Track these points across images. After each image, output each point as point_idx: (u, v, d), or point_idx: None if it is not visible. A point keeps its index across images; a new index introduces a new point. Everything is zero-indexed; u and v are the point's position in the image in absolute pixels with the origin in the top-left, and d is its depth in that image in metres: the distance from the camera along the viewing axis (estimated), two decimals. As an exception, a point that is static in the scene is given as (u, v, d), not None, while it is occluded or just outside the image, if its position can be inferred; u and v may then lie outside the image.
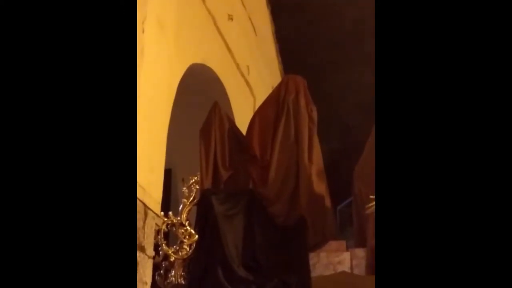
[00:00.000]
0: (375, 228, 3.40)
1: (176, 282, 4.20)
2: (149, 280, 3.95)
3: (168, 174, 6.24)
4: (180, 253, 4.23)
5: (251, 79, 8.18)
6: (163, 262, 4.25)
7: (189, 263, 4.18)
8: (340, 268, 4.20)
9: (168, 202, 5.73)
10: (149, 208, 4.03)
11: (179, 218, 4.34)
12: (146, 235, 3.94)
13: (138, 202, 3.80)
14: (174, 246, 4.30)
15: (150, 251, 4.04)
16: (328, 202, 4.41)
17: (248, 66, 8.06)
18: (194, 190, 4.43)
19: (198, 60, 6.32)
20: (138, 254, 3.77)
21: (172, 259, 4.22)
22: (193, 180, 4.45)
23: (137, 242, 3.74)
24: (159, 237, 4.19)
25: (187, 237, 4.26)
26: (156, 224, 4.19)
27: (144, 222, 3.94)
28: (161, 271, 4.22)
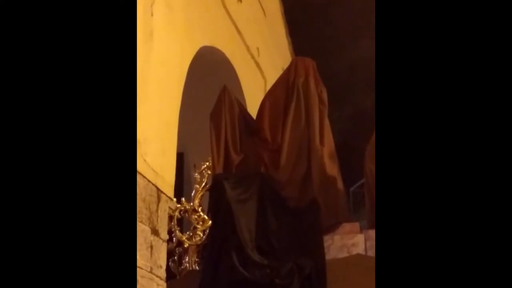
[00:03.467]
0: (375, 212, 3.39)
1: (191, 268, 4.21)
2: (163, 263, 3.94)
3: (180, 157, 6.23)
4: (193, 239, 4.24)
5: (261, 61, 8.13)
6: (176, 249, 4.26)
7: (203, 248, 4.19)
8: (354, 250, 4.18)
9: (181, 187, 5.73)
10: (162, 192, 4.01)
11: (192, 204, 4.34)
12: (160, 218, 3.92)
13: (150, 186, 3.78)
14: (188, 232, 4.31)
15: (164, 235, 4.03)
16: (340, 184, 4.39)
17: (258, 48, 8.00)
18: (206, 175, 4.42)
19: (207, 42, 6.28)
20: (153, 238, 3.77)
21: (186, 245, 4.23)
22: (205, 165, 4.45)
23: (151, 226, 3.74)
24: (172, 223, 4.19)
25: (201, 223, 4.27)
26: (170, 208, 4.18)
27: (158, 206, 3.92)
28: (175, 258, 4.23)
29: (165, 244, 4.03)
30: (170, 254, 4.15)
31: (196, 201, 4.32)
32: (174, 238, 4.22)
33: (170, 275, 4.05)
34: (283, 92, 4.48)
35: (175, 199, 4.25)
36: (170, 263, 4.16)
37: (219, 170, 4.30)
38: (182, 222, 4.46)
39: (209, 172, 4.41)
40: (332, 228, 4.26)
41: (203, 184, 4.40)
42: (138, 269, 3.40)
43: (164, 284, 3.83)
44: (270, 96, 4.60)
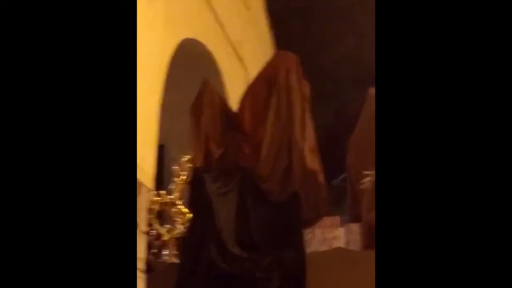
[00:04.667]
0: (375, 205, 3.39)
1: (170, 261, 4.20)
2: (143, 255, 3.93)
3: (161, 150, 6.21)
4: (173, 232, 4.23)
5: (243, 54, 8.12)
6: (155, 241, 4.24)
7: (183, 241, 4.18)
8: (335, 244, 4.19)
9: (161, 179, 5.72)
10: (142, 184, 3.99)
11: (171, 197, 4.33)
12: (140, 210, 3.90)
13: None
14: (167, 225, 4.29)
15: (144, 226, 4.01)
16: (321, 178, 4.39)
17: (240, 41, 7.99)
18: (186, 168, 4.41)
19: (189, 35, 6.26)
20: (132, 230, 3.75)
21: (165, 238, 4.22)
22: (185, 158, 4.43)
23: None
24: (151, 216, 4.17)
25: (180, 216, 4.26)
26: (150, 200, 4.16)
27: (138, 197, 3.90)
28: (155, 250, 4.21)
29: (145, 236, 4.02)
30: (149, 247, 4.13)
31: (176, 194, 4.31)
32: (153, 231, 4.21)
33: (149, 268, 4.03)
34: (264, 86, 4.46)
35: (154, 192, 4.24)
36: (149, 256, 4.14)
37: (200, 163, 4.28)
38: (162, 215, 4.44)
39: (190, 165, 4.39)
40: (313, 221, 4.26)
41: (184, 177, 4.38)
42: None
43: (144, 276, 3.82)
44: (252, 90, 4.58)
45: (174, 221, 4.26)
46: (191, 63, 6.69)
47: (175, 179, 4.38)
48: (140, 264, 3.81)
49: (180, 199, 4.33)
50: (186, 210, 4.24)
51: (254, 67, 7.90)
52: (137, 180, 3.90)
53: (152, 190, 4.17)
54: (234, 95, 6.35)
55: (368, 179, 4.06)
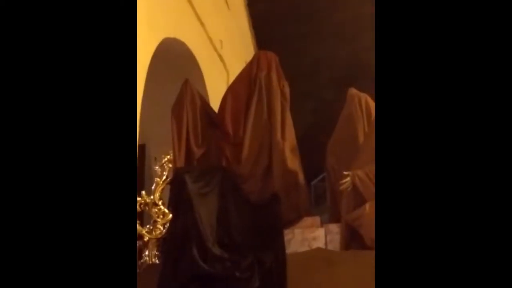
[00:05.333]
0: (374, 205, 3.40)
1: (150, 262, 4.19)
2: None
3: (142, 149, 6.20)
4: (154, 232, 4.22)
5: (224, 54, 8.13)
6: (136, 242, 4.23)
7: (163, 242, 4.17)
8: (315, 244, 4.20)
9: (142, 180, 5.70)
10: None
11: (152, 197, 4.32)
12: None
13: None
14: (148, 226, 4.28)
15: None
16: (301, 178, 4.41)
17: (221, 41, 8.00)
18: (167, 168, 4.40)
19: (170, 34, 6.25)
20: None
21: (146, 239, 4.21)
22: (166, 158, 4.42)
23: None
24: (136, 218, 4.17)
25: (161, 216, 4.25)
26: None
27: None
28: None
29: (125, 238, 4.00)
30: (130, 247, 4.12)
31: (157, 195, 4.30)
32: (134, 232, 4.20)
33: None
34: (245, 86, 4.47)
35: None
36: (130, 256, 4.12)
37: (180, 163, 4.27)
38: (142, 215, 4.43)
39: (170, 165, 4.39)
40: (293, 222, 4.28)
41: (164, 177, 4.37)
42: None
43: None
44: (232, 90, 4.59)
45: (155, 221, 4.25)
46: (172, 63, 6.68)
47: (157, 179, 4.37)
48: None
49: (160, 199, 4.32)
50: (167, 210, 4.24)
51: (235, 67, 7.93)
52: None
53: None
54: (215, 95, 6.36)
55: (348, 180, 4.07)
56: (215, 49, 7.87)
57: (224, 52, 8.09)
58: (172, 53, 6.63)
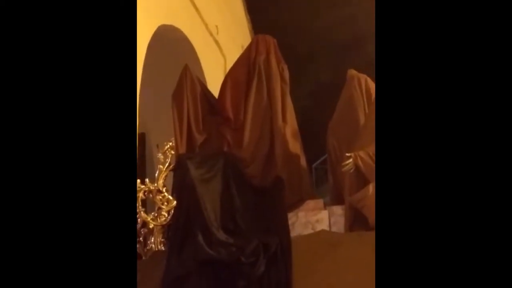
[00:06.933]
0: (375, 190, 3.41)
1: (156, 249, 4.20)
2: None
3: (142, 138, 6.19)
4: (158, 219, 4.23)
5: (220, 39, 8.11)
6: (142, 229, 4.24)
7: (168, 229, 4.18)
8: (318, 227, 4.21)
9: (144, 168, 5.70)
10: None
11: (155, 184, 4.32)
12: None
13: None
14: (152, 213, 4.29)
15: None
16: (303, 161, 4.42)
17: (217, 26, 7.98)
18: (170, 155, 4.40)
19: (165, 21, 6.23)
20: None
21: (151, 226, 4.22)
22: (168, 145, 4.42)
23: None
24: (136, 204, 4.17)
25: (165, 203, 4.26)
26: (135, 188, 4.16)
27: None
28: (140, 239, 4.21)
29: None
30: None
31: (160, 182, 4.31)
32: (139, 219, 4.20)
33: (137, 256, 4.04)
34: (244, 70, 4.46)
35: (138, 180, 4.23)
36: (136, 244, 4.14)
37: (182, 150, 4.27)
38: (146, 203, 4.44)
39: (173, 152, 4.39)
40: (296, 205, 4.29)
41: (167, 164, 4.37)
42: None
43: (130, 265, 3.81)
44: (232, 75, 4.58)
45: (160, 208, 4.26)
46: (168, 50, 6.67)
47: (160, 166, 4.37)
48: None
49: (164, 186, 4.33)
50: (171, 197, 4.24)
51: (232, 52, 7.91)
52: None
53: (134, 179, 4.16)
54: (212, 80, 6.36)
55: (350, 161, 4.07)
56: (211, 35, 7.85)
57: (220, 37, 8.07)
58: (169, 40, 6.62)
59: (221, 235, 3.83)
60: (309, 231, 4.18)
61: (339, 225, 4.26)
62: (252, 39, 4.76)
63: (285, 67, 4.52)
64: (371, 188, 3.81)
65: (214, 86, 4.82)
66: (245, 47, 4.81)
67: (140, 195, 4.23)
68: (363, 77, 4.93)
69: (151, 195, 4.30)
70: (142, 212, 4.20)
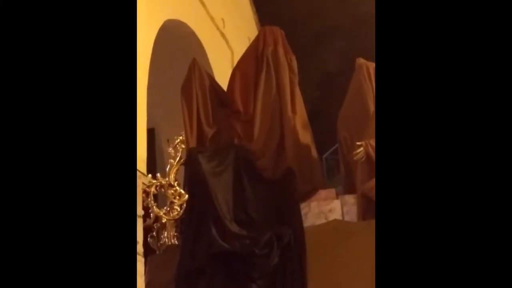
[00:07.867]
0: (375, 176, 3.41)
1: (169, 243, 4.21)
2: (140, 239, 3.94)
3: (151, 133, 6.20)
4: (171, 214, 4.24)
5: (227, 32, 8.09)
6: (154, 224, 4.25)
7: (181, 223, 4.19)
8: (331, 216, 4.22)
9: (154, 163, 5.71)
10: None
11: (167, 179, 4.33)
12: (134, 194, 3.91)
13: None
14: (165, 208, 4.30)
15: (139, 210, 4.02)
16: (314, 151, 4.40)
17: (223, 19, 7.96)
18: (180, 149, 4.40)
19: (171, 16, 6.22)
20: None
21: (163, 220, 4.23)
22: (178, 140, 4.42)
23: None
24: (148, 199, 4.18)
25: (177, 197, 4.27)
26: (143, 183, 4.16)
27: (131, 182, 3.91)
28: (154, 233, 4.22)
29: (140, 220, 4.02)
30: (148, 230, 4.15)
31: (172, 176, 4.32)
32: (151, 214, 4.21)
33: (150, 251, 4.05)
34: (252, 62, 4.44)
35: (149, 175, 4.24)
36: (149, 239, 4.16)
37: (193, 144, 4.27)
38: (157, 197, 4.45)
39: (183, 146, 4.39)
40: (308, 195, 4.28)
41: (178, 158, 4.38)
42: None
43: (142, 260, 3.84)
44: (240, 67, 4.56)
45: (172, 203, 4.27)
46: (175, 44, 6.66)
47: (171, 160, 4.38)
48: (138, 248, 3.83)
49: (176, 180, 4.33)
50: (183, 191, 4.25)
51: (238, 44, 7.89)
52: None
53: (144, 175, 4.17)
54: (220, 74, 6.34)
55: (361, 150, 4.07)
56: (218, 28, 7.83)
57: (226, 30, 8.05)
58: (175, 35, 6.61)
59: (234, 228, 3.84)
60: (322, 221, 4.19)
61: (352, 214, 4.26)
62: (260, 31, 4.75)
63: (293, 57, 4.50)
64: (383, 176, 3.80)
65: (222, 79, 4.81)
66: (251, 39, 4.80)
67: (152, 189, 4.24)
68: (372, 65, 4.92)
69: (163, 190, 4.31)
70: (154, 207, 4.21)
